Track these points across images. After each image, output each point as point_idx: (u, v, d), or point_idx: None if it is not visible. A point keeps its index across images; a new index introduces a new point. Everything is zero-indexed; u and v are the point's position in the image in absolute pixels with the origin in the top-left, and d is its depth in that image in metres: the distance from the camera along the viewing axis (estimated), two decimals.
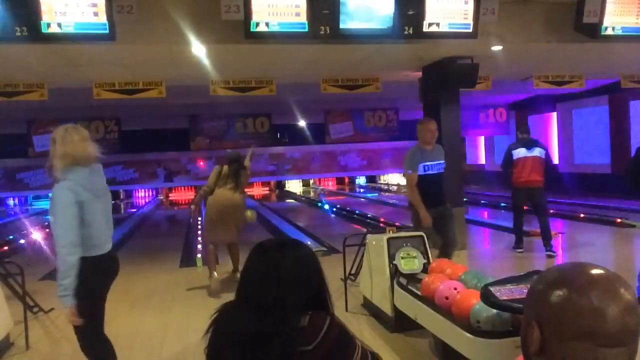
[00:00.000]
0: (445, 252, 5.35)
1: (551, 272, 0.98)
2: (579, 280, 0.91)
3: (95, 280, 2.89)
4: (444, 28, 5.78)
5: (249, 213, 6.33)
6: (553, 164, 7.77)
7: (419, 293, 3.85)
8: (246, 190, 6.74)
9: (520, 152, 7.46)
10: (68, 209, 2.74)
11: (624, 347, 0.87)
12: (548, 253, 7.14)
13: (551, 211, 11.37)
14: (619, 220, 9.47)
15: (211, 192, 6.15)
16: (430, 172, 5.33)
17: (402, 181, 24.64)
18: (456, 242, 5.71)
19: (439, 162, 5.44)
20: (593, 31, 6.18)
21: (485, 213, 12.79)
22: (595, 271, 0.92)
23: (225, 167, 6.20)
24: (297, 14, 5.39)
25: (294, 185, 24.57)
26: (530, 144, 7.62)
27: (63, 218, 2.74)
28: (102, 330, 3.13)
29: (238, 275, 5.76)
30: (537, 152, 7.51)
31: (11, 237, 11.41)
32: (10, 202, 20.61)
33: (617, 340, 0.86)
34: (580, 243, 8.53)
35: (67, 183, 2.82)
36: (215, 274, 5.99)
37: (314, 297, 1.56)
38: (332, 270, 6.26)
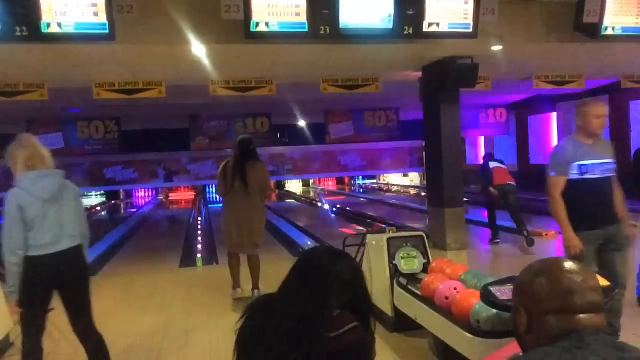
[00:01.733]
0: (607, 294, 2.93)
1: (532, 266, 1.26)
2: (554, 269, 1.20)
3: (33, 278, 3.06)
4: (444, 28, 5.78)
5: None
6: None
7: (419, 293, 3.85)
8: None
9: None
10: (9, 213, 2.95)
11: (593, 314, 1.15)
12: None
13: None
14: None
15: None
16: (591, 175, 3.70)
17: (401, 181, 24.73)
18: (623, 284, 3.75)
19: (606, 161, 3.76)
20: (593, 31, 6.17)
21: (486, 213, 12.75)
22: (565, 263, 1.21)
23: (230, 164, 5.31)
24: (297, 14, 5.39)
25: (294, 186, 24.58)
26: None
27: (5, 222, 2.96)
28: (38, 325, 3.33)
29: (256, 293, 5.21)
30: None
31: None
32: None
33: (585, 309, 1.14)
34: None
35: (13, 189, 3.04)
36: (240, 290, 5.45)
37: (354, 307, 1.70)
38: None
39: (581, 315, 1.13)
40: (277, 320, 1.58)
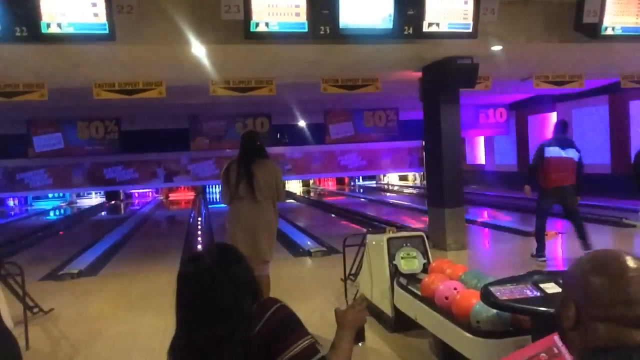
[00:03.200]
0: None
1: (592, 258, 1.08)
2: (617, 271, 1.02)
3: None
4: (444, 28, 5.78)
5: None
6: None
7: (419, 293, 3.85)
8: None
9: (553, 152, 6.65)
10: None
11: None
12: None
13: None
14: (618, 220, 9.47)
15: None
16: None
17: (401, 182, 24.70)
18: None
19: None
20: (593, 31, 6.17)
21: (485, 213, 12.78)
22: (631, 263, 1.03)
23: (234, 165, 4.48)
24: (297, 14, 5.39)
25: (294, 186, 24.58)
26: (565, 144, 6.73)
27: None
28: None
29: None
30: (572, 153, 6.72)
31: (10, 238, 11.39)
32: (11, 202, 20.65)
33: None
34: (580, 243, 8.51)
35: None
36: None
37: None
38: (332, 270, 6.27)
39: (634, 331, 0.98)
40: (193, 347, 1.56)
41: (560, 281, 1.22)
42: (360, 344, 1.75)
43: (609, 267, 1.03)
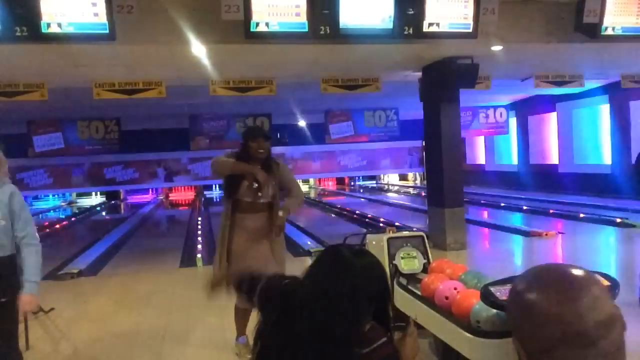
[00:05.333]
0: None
1: (515, 289, 0.92)
2: (535, 291, 0.87)
3: None
4: (444, 28, 5.78)
5: None
6: None
7: (419, 293, 3.85)
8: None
9: None
10: None
11: (598, 344, 0.82)
12: None
13: (551, 211, 11.42)
14: (619, 220, 9.47)
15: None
16: None
17: (400, 183, 24.69)
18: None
19: None
20: (593, 31, 6.18)
21: (485, 213, 12.79)
22: (548, 276, 0.89)
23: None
24: (297, 14, 5.40)
25: None
26: None
27: None
28: None
29: None
30: None
31: None
32: None
33: (589, 338, 0.82)
34: (580, 243, 8.53)
35: None
36: (245, 338, 3.90)
37: (378, 309, 1.57)
38: None
39: (590, 350, 0.83)
40: (305, 336, 1.45)
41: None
42: None
43: (525, 293, 0.88)
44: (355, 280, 1.50)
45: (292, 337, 1.48)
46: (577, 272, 0.89)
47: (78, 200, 22.11)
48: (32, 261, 2.87)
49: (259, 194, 3.73)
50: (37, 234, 2.97)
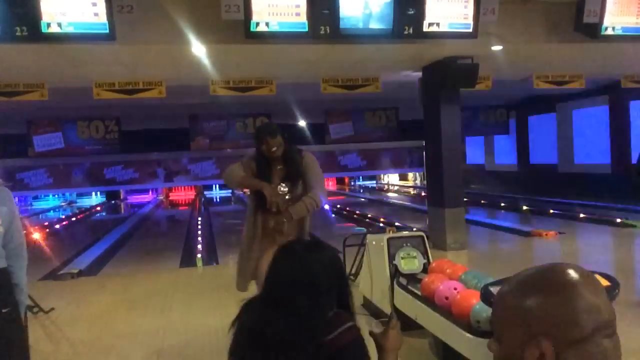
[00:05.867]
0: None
1: (527, 285, 0.90)
2: (566, 282, 0.88)
3: None
4: (444, 28, 5.78)
5: None
6: None
7: (419, 293, 3.85)
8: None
9: None
10: None
11: (616, 334, 0.88)
12: None
13: (551, 211, 11.42)
14: (619, 220, 9.48)
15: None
16: None
17: (400, 183, 24.67)
18: None
19: None
20: (593, 31, 6.18)
21: (485, 213, 12.78)
22: (568, 269, 0.90)
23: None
24: (297, 14, 5.40)
25: None
26: None
27: None
28: None
29: None
30: None
31: None
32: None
33: (613, 327, 0.88)
34: (580, 243, 8.53)
35: None
36: None
37: (339, 297, 1.63)
38: None
39: (614, 338, 0.87)
40: (276, 329, 1.50)
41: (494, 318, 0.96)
42: None
43: (553, 284, 0.88)
44: (309, 273, 1.55)
45: (261, 339, 1.53)
46: (582, 269, 0.93)
47: (78, 200, 22.11)
48: (23, 278, 2.54)
49: (279, 208, 3.26)
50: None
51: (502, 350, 0.91)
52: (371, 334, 1.66)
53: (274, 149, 3.40)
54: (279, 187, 3.36)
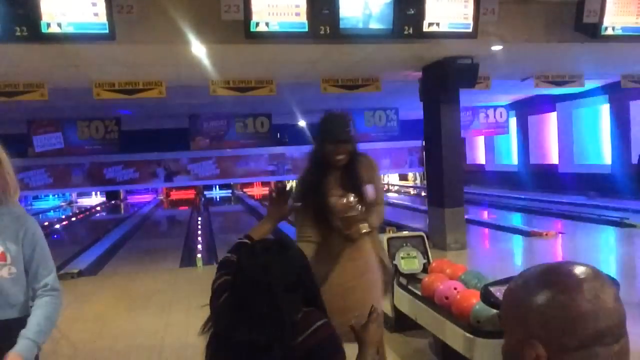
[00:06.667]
0: None
1: (532, 282, 0.88)
2: (568, 284, 0.85)
3: None
4: (444, 28, 5.78)
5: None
6: None
7: (419, 293, 3.85)
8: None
9: None
10: None
11: (622, 338, 0.84)
12: None
13: (551, 211, 11.42)
14: (619, 220, 9.47)
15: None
16: None
17: (400, 183, 24.67)
18: None
19: None
20: (593, 31, 6.18)
21: (485, 213, 12.78)
22: (576, 269, 0.87)
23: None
24: (297, 14, 5.39)
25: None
26: None
27: None
28: None
29: None
30: None
31: None
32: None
33: (616, 334, 0.83)
34: (580, 243, 8.53)
35: None
36: None
37: (306, 297, 1.57)
38: None
39: (615, 346, 0.83)
40: (243, 334, 1.47)
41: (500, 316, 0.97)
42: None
43: (554, 284, 0.85)
44: (267, 274, 1.49)
45: (229, 344, 1.52)
46: (592, 269, 0.89)
47: (78, 200, 22.11)
48: (42, 312, 2.02)
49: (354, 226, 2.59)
50: (57, 279, 2.06)
51: (505, 346, 0.90)
52: (351, 327, 1.63)
53: (341, 157, 2.62)
54: (347, 198, 2.56)
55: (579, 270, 0.87)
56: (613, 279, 2.71)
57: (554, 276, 0.87)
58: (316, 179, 2.67)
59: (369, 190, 2.64)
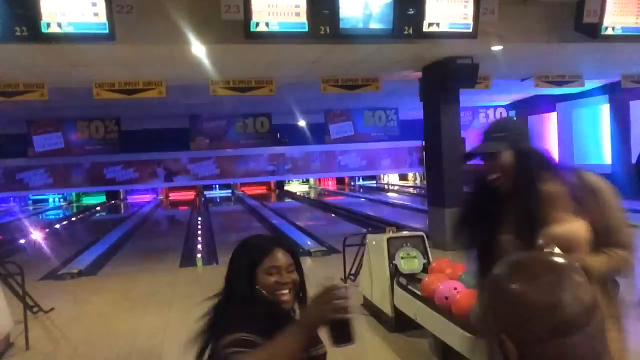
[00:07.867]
0: None
1: (497, 279, 0.89)
2: (524, 278, 0.86)
3: None
4: (444, 28, 5.78)
5: None
6: None
7: (419, 293, 3.85)
8: None
9: None
10: None
11: (585, 329, 0.83)
12: None
13: None
14: None
15: None
16: None
17: (400, 183, 24.67)
18: None
19: None
20: (593, 31, 6.18)
21: None
22: (533, 266, 0.88)
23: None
24: (297, 14, 5.40)
25: (294, 186, 24.59)
26: None
27: None
28: None
29: None
30: None
31: (10, 236, 11.39)
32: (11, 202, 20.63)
33: (580, 322, 0.83)
34: None
35: None
36: None
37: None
38: (332, 270, 6.26)
39: (579, 336, 0.83)
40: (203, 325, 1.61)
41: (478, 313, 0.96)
42: (343, 346, 1.29)
43: (512, 280, 0.86)
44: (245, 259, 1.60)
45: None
46: (559, 259, 0.91)
47: (82, 199, 22.07)
48: None
49: None
50: None
51: (484, 341, 0.92)
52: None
53: (494, 176, 1.90)
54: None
55: (540, 263, 0.89)
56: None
57: (514, 271, 0.89)
58: (478, 215, 1.97)
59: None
